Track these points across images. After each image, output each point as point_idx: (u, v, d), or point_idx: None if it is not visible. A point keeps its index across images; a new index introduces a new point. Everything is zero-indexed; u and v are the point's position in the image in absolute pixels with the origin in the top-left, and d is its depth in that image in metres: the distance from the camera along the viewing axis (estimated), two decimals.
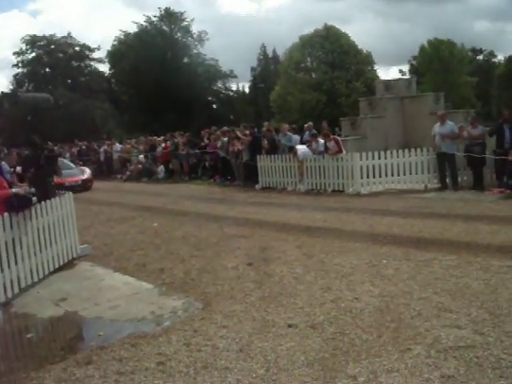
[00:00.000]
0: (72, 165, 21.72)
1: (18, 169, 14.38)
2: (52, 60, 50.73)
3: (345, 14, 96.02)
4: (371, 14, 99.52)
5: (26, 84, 51.77)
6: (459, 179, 12.93)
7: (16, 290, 6.34)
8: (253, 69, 67.89)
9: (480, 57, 70.88)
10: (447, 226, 8.53)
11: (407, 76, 55.75)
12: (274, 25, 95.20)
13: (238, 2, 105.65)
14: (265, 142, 16.09)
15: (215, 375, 3.88)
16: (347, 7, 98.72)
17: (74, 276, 7.16)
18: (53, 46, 51.12)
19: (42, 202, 7.24)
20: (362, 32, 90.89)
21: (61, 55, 51.27)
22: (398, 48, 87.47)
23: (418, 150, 13.53)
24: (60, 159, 21.41)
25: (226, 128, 20.58)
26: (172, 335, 4.70)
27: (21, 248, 6.57)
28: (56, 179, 16.93)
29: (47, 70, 51.66)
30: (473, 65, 62.08)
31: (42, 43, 50.81)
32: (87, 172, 20.69)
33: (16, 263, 6.40)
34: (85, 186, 19.46)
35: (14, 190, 6.98)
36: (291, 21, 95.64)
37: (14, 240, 6.43)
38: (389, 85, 19.15)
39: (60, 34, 51.65)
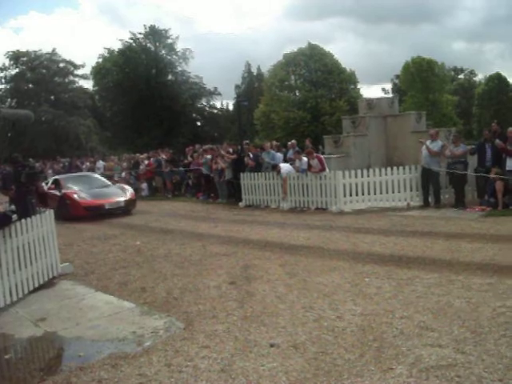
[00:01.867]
0: (107, 181, 17.89)
1: None
2: (35, 76, 50.43)
3: (325, 34, 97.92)
4: (351, 35, 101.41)
5: (9, 100, 51.41)
6: (441, 197, 13.07)
7: None
8: (237, 86, 68.36)
9: (461, 76, 72.12)
10: (429, 244, 8.59)
11: (390, 94, 56.60)
12: (254, 44, 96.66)
13: (218, 22, 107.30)
14: (249, 160, 16.16)
15: None
16: (327, 28, 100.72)
17: (54, 295, 7.06)
18: (36, 62, 50.90)
19: (22, 220, 7.15)
20: (342, 52, 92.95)
21: (44, 71, 51.02)
22: (377, 67, 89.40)
23: (401, 167, 13.65)
24: (94, 175, 19.01)
25: (209, 146, 20.60)
26: (153, 355, 4.64)
27: (0, 266, 6.47)
28: (94, 201, 15.12)
29: (30, 85, 51.31)
30: (453, 84, 63.10)
31: (25, 59, 50.59)
32: (129, 191, 16.63)
33: None
34: (127, 208, 15.80)
35: None
36: (271, 40, 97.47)
37: None
38: (371, 103, 19.35)
39: (44, 50, 51.46)
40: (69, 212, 14.86)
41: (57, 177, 18.22)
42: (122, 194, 16.14)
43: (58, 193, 15.72)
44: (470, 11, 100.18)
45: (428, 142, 13.17)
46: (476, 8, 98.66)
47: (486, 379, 3.73)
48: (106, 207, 15.24)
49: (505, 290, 5.77)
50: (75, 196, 15.36)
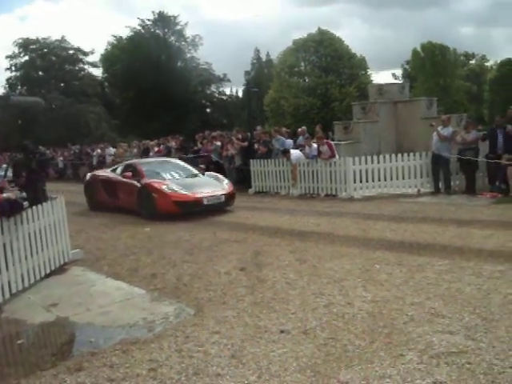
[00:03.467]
0: (193, 168, 13.82)
1: (9, 175, 14.02)
2: (45, 63, 50.43)
3: (331, 20, 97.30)
4: (356, 20, 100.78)
5: (19, 87, 51.48)
6: (452, 184, 12.99)
7: (7, 296, 6.28)
8: (247, 73, 68.08)
9: (473, 61, 71.32)
10: (440, 230, 8.56)
11: (400, 80, 56.19)
12: (261, 30, 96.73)
13: (222, 8, 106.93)
14: (261, 146, 16.13)
15: (207, 382, 3.85)
16: (333, 13, 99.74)
17: (65, 281, 7.11)
18: (46, 50, 50.89)
19: (34, 207, 7.19)
20: (349, 37, 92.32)
21: (54, 58, 51.02)
22: (385, 53, 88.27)
23: (411, 154, 13.57)
24: (175, 161, 14.86)
25: (219, 132, 20.58)
26: (164, 341, 4.67)
27: (12, 253, 6.52)
28: (189, 195, 11.54)
29: (40, 73, 51.34)
30: (464, 69, 62.49)
31: (34, 46, 50.56)
32: (225, 181, 13.09)
33: (7, 268, 6.36)
34: (227, 203, 12.34)
35: (5, 194, 6.93)
36: (277, 26, 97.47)
37: (4, 245, 6.39)
38: (382, 89, 19.22)
39: (53, 38, 51.36)
40: (154, 207, 11.69)
41: (132, 162, 14.69)
42: (220, 185, 12.60)
43: (136, 183, 12.37)
44: None
45: (439, 128, 13.07)
46: None
47: (496, 366, 3.72)
48: (205, 203, 11.69)
49: None
50: (163, 187, 11.79)
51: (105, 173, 14.55)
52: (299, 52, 48.07)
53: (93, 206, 14.14)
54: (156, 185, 11.94)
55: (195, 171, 13.57)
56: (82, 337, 5.10)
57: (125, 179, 12.82)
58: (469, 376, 3.61)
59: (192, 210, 11.52)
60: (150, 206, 11.81)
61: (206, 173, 13.78)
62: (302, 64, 48.86)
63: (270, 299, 5.56)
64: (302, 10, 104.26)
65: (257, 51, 69.37)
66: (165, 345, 4.59)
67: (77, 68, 53.26)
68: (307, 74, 48.07)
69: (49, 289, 6.73)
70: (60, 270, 7.63)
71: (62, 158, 27.54)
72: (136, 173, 12.78)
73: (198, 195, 11.72)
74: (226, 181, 13.11)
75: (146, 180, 12.27)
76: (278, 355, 4.19)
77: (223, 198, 12.06)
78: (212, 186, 12.35)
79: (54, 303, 6.07)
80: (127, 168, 13.47)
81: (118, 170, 13.77)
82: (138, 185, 12.27)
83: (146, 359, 4.33)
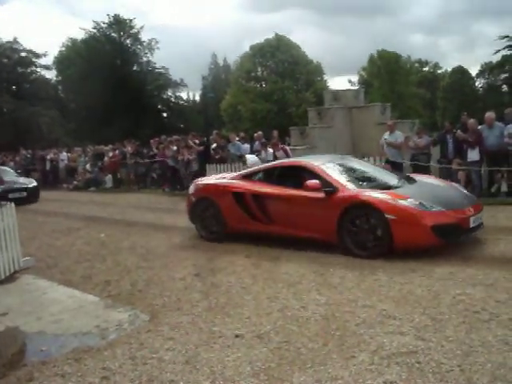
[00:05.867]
0: (394, 177, 8.64)
1: None
2: None
3: (283, 26, 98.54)
4: (309, 27, 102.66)
5: None
6: None
7: None
8: (204, 78, 67.98)
9: (426, 68, 73.20)
10: None
11: (356, 86, 57.25)
12: (214, 36, 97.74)
13: (175, 14, 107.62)
14: (220, 151, 16.10)
15: None
16: (284, 19, 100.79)
17: (15, 290, 6.93)
18: None
19: None
20: (302, 43, 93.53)
21: (5, 60, 49.72)
22: (339, 59, 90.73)
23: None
24: (353, 158, 9.95)
25: (175, 137, 20.46)
26: (117, 349, 4.62)
27: None
28: (456, 214, 7.15)
29: None
30: (418, 76, 64.08)
31: None
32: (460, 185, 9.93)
33: None
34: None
35: None
36: (230, 32, 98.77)
37: None
38: (337, 95, 19.49)
39: (4, 39, 50.02)
40: (389, 239, 7.00)
41: (299, 162, 8.89)
42: (463, 193, 8.30)
43: (325, 196, 7.61)
44: (424, 5, 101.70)
45: (387, 134, 13.35)
46: (431, 2, 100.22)
47: (445, 365, 3.83)
48: (471, 225, 7.34)
49: (464, 278, 5.91)
50: (407, 204, 7.08)
51: (233, 181, 9.11)
52: (256, 57, 48.44)
53: (213, 235, 9.13)
54: (389, 200, 7.17)
55: (392, 173, 9.29)
56: (33, 346, 4.99)
57: (302, 191, 7.89)
58: (418, 375, 3.71)
59: (454, 240, 7.32)
60: (376, 237, 7.15)
61: (416, 175, 9.18)
62: (259, 69, 49.23)
63: (225, 304, 5.57)
64: (256, 16, 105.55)
65: (214, 56, 69.39)
66: (118, 352, 4.54)
67: (29, 70, 52.03)
68: (264, 80, 48.46)
69: None
70: (10, 278, 7.42)
71: (13, 163, 26.77)
72: (320, 180, 7.82)
73: (462, 214, 7.32)
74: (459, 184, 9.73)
75: (351, 192, 7.55)
76: (232, 360, 4.20)
77: (481, 218, 7.78)
78: (457, 196, 7.98)
79: (3, 312, 5.90)
80: (287, 172, 8.67)
81: (258, 176, 9.04)
82: (339, 201, 7.44)
83: (98, 367, 4.27)
